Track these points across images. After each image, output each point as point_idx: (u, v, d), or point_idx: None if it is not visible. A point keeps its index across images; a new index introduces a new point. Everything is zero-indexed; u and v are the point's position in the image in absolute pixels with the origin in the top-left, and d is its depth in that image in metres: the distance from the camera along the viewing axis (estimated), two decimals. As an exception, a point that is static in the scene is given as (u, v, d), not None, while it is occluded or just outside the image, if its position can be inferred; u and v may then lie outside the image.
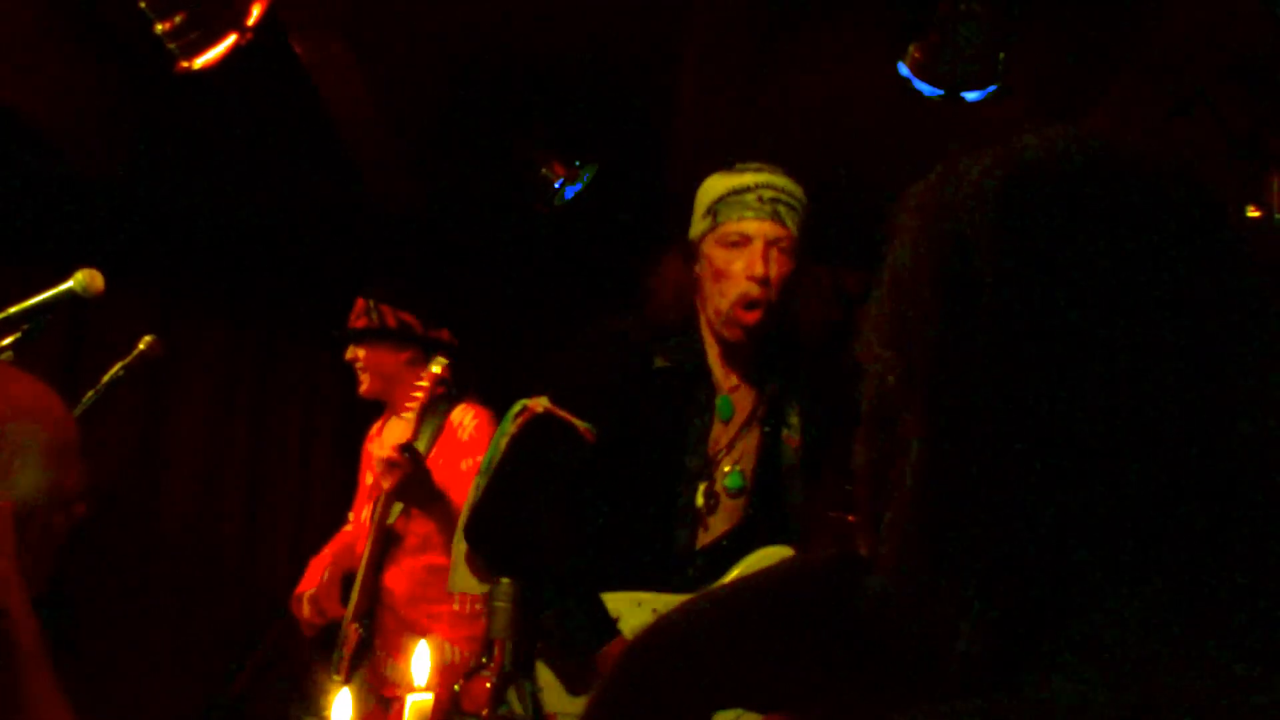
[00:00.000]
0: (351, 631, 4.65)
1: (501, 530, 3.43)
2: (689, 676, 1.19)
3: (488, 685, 2.48)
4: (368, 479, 5.22)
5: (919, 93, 4.67)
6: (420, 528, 4.79)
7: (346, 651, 4.68)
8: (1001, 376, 1.00)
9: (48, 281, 3.24)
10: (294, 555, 7.44)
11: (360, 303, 5.08)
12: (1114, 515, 0.96)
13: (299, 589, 5.06)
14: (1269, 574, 0.96)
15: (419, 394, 4.70)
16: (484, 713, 2.43)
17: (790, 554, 3.31)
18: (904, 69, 4.64)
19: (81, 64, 6.10)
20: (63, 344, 7.05)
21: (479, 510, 3.47)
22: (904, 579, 1.07)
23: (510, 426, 3.47)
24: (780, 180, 3.42)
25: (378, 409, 5.38)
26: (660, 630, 1.24)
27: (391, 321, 4.99)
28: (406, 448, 4.48)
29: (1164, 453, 0.96)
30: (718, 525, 3.49)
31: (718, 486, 3.48)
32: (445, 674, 4.34)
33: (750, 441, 3.55)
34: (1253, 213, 5.10)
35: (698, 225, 3.46)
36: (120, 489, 7.04)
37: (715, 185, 3.45)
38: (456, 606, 4.68)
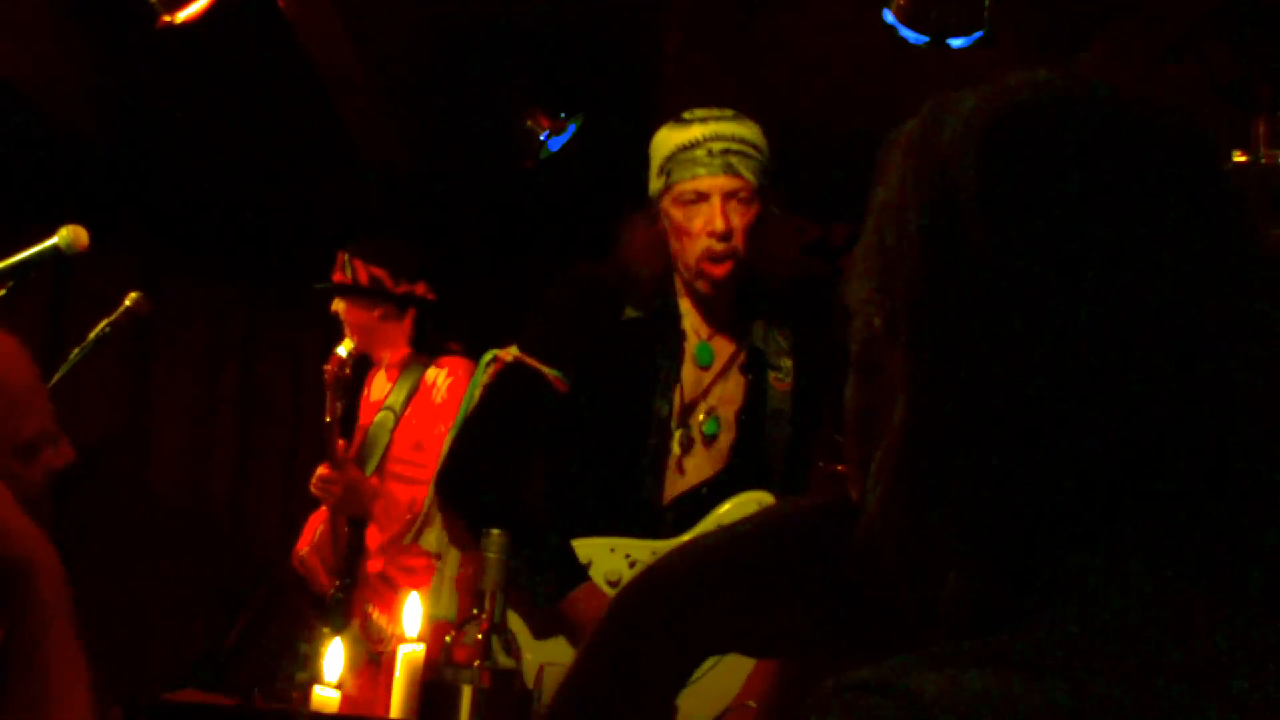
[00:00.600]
0: (333, 589, 4.69)
1: (473, 480, 3.44)
2: (681, 621, 1.19)
3: (478, 637, 2.48)
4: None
5: (904, 39, 4.65)
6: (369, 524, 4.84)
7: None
8: (984, 320, 0.99)
9: (32, 240, 3.24)
10: (284, 512, 7.45)
11: (339, 257, 5.08)
12: (1099, 462, 0.95)
13: (298, 545, 5.08)
14: (1251, 516, 0.96)
15: (325, 377, 4.74)
16: (475, 664, 2.44)
17: (769, 500, 3.31)
18: (889, 15, 4.62)
19: (62, 22, 6.06)
20: (47, 302, 7.04)
21: (450, 460, 3.49)
22: (889, 527, 1.07)
23: (483, 376, 3.48)
24: (729, 127, 3.41)
25: (363, 366, 5.39)
26: (651, 576, 1.23)
27: (364, 277, 5.00)
28: (333, 464, 4.49)
29: (1151, 400, 0.95)
30: (695, 473, 3.49)
31: (694, 433, 3.48)
32: (434, 628, 4.37)
33: (732, 388, 3.55)
34: (1238, 157, 5.11)
35: (654, 183, 3.46)
36: (107, 447, 7.03)
37: (665, 141, 3.44)
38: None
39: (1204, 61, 5.32)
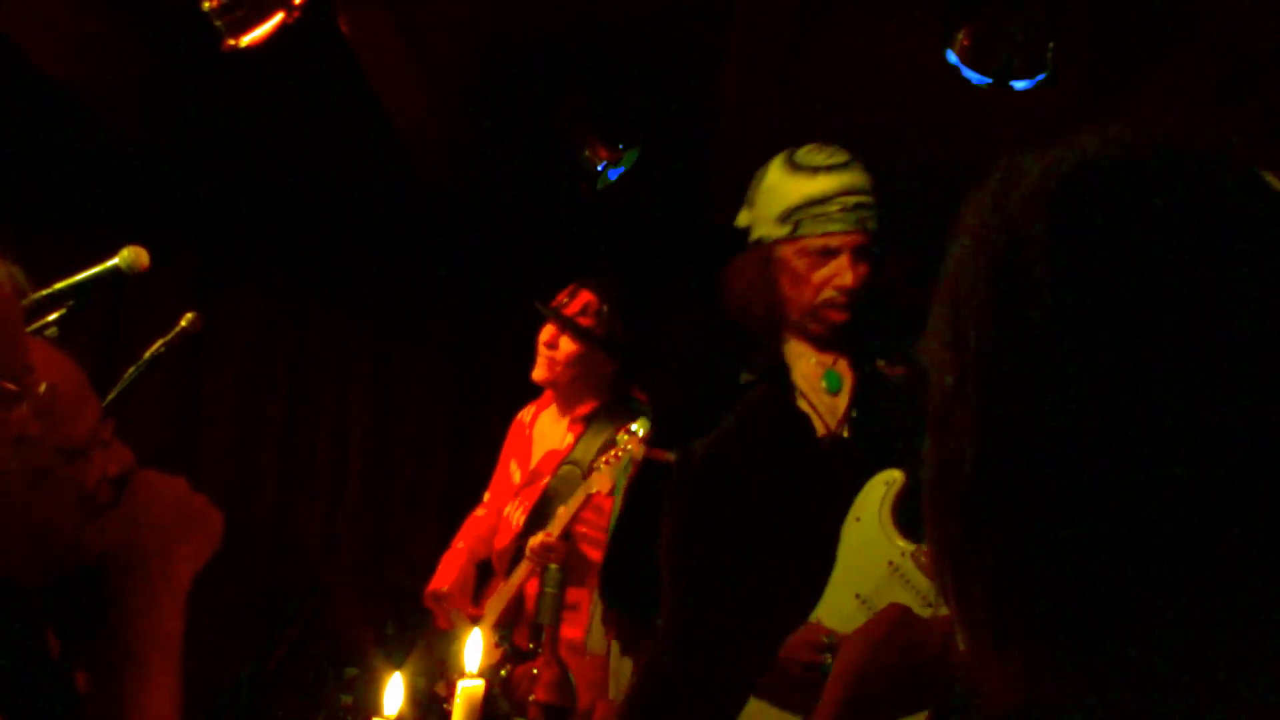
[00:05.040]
0: (492, 643, 4.55)
1: (628, 584, 3.43)
2: None
3: (534, 671, 2.49)
4: (511, 465, 5.17)
5: (967, 80, 4.64)
6: (577, 592, 4.65)
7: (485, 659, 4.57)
8: (1052, 379, 0.99)
9: (88, 251, 3.25)
10: (329, 530, 7.47)
11: (570, 287, 4.99)
12: (1169, 525, 0.95)
13: (432, 585, 5.01)
14: None
15: (612, 459, 4.49)
16: (530, 698, 2.44)
17: (898, 475, 3.26)
18: (952, 56, 4.62)
19: (125, 34, 6.10)
20: (103, 319, 7.07)
21: (605, 570, 3.48)
22: (959, 580, 1.07)
23: (622, 479, 3.49)
24: (858, 179, 3.41)
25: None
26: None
27: (591, 317, 4.90)
28: (566, 537, 4.45)
29: (1223, 463, 0.95)
30: None
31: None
32: (593, 678, 4.28)
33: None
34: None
35: (771, 229, 3.42)
36: (156, 461, 7.05)
37: (789, 189, 3.41)
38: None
39: (1261, 100, 5.30)
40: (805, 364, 3.51)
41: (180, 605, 1.89)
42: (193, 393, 7.54)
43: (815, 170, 3.39)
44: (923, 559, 3.08)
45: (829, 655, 2.96)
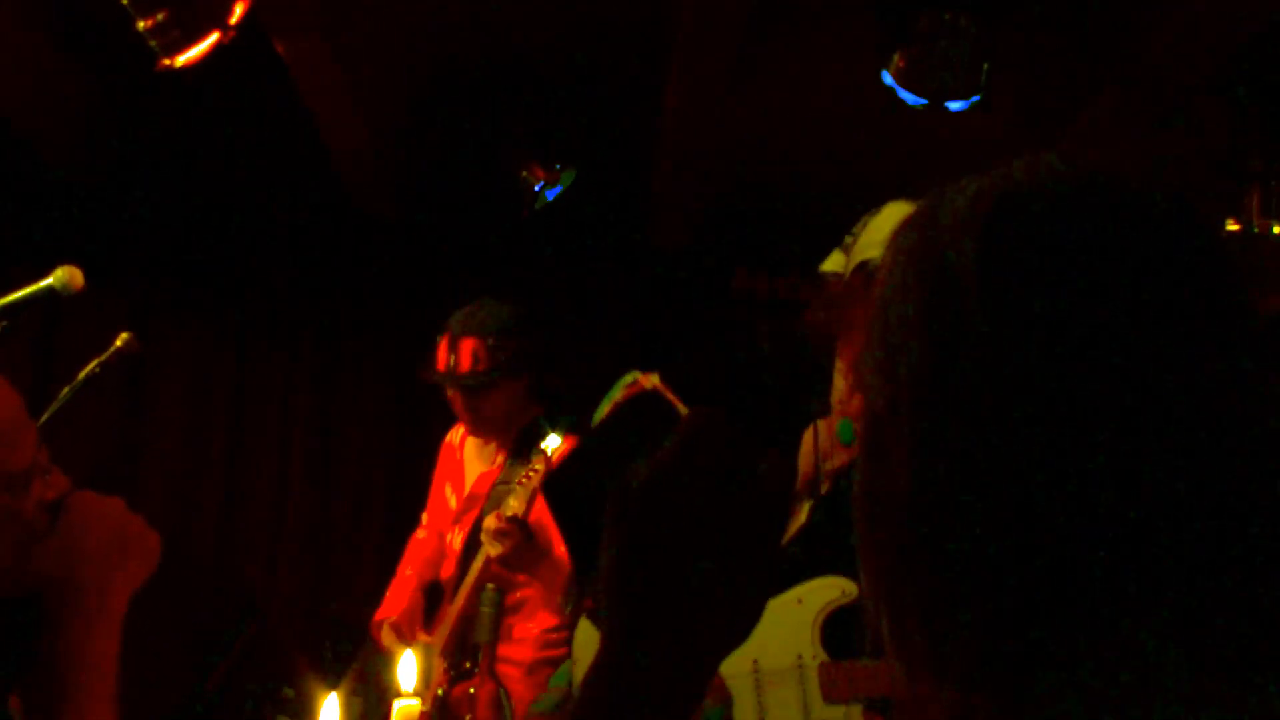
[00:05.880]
0: (439, 670, 4.48)
1: (574, 500, 3.40)
2: None
3: (470, 690, 2.48)
4: (446, 490, 5.12)
5: (903, 101, 4.67)
6: (525, 590, 4.64)
7: (433, 686, 4.50)
8: (984, 403, 0.99)
9: (22, 278, 3.22)
10: (270, 554, 7.43)
11: (468, 345, 4.80)
12: (1101, 543, 0.96)
13: (380, 614, 4.95)
14: (1267, 598, 0.96)
15: (532, 475, 4.39)
16: (466, 716, 2.44)
17: (852, 589, 3.24)
18: (888, 77, 4.65)
19: (59, 63, 6.07)
20: (37, 341, 7.02)
21: (560, 472, 3.45)
22: (891, 603, 1.08)
23: (617, 393, 3.44)
24: None
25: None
26: None
27: (466, 359, 4.76)
28: (515, 520, 4.39)
29: (1156, 480, 0.95)
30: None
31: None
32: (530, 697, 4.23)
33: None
34: (1232, 226, 5.14)
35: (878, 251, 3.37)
36: (95, 486, 7.00)
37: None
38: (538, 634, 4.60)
39: (1198, 131, 5.36)
40: (837, 395, 3.44)
41: (116, 628, 1.88)
42: (133, 417, 7.48)
43: None
44: (830, 674, 3.08)
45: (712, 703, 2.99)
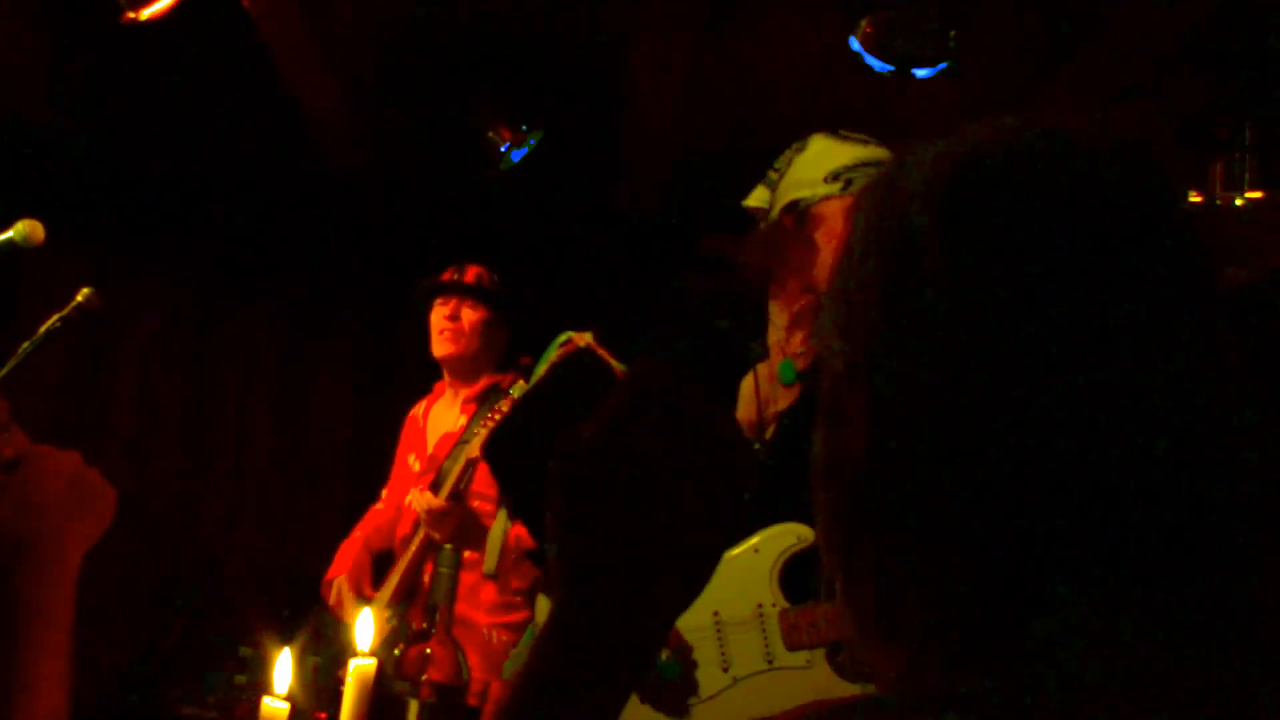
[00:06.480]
0: (383, 619, 4.51)
1: (514, 453, 3.42)
2: None
3: (427, 651, 2.48)
4: (410, 459, 5.15)
5: (870, 67, 4.67)
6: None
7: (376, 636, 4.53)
8: (941, 365, 1.00)
9: (-13, 234, 3.20)
10: (230, 512, 7.42)
11: (475, 269, 5.03)
12: (1055, 509, 0.96)
13: (329, 574, 4.99)
14: (1217, 567, 0.96)
15: (496, 415, 4.51)
16: (422, 678, 2.44)
17: (808, 534, 3.26)
18: (855, 43, 4.64)
19: (22, 12, 6.02)
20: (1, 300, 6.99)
21: (498, 428, 3.45)
22: (850, 567, 1.08)
23: (552, 354, 3.45)
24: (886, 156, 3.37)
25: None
26: None
27: (486, 280, 4.98)
28: (453, 497, 4.44)
29: (1110, 445, 0.96)
30: None
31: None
32: (490, 660, 4.28)
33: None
34: (1194, 198, 5.15)
35: (814, 190, 3.34)
36: (54, 442, 6.96)
37: (839, 152, 3.34)
38: (498, 596, 4.61)
39: (1163, 102, 5.36)
40: (775, 335, 3.46)
41: (70, 583, 1.86)
42: (93, 373, 7.45)
43: (866, 141, 3.36)
44: (791, 619, 3.13)
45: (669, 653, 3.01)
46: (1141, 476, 0.96)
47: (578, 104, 6.43)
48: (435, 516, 4.42)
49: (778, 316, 3.45)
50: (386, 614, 4.48)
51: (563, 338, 3.45)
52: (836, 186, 3.28)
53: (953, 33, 4.58)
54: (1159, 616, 0.94)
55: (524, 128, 6.17)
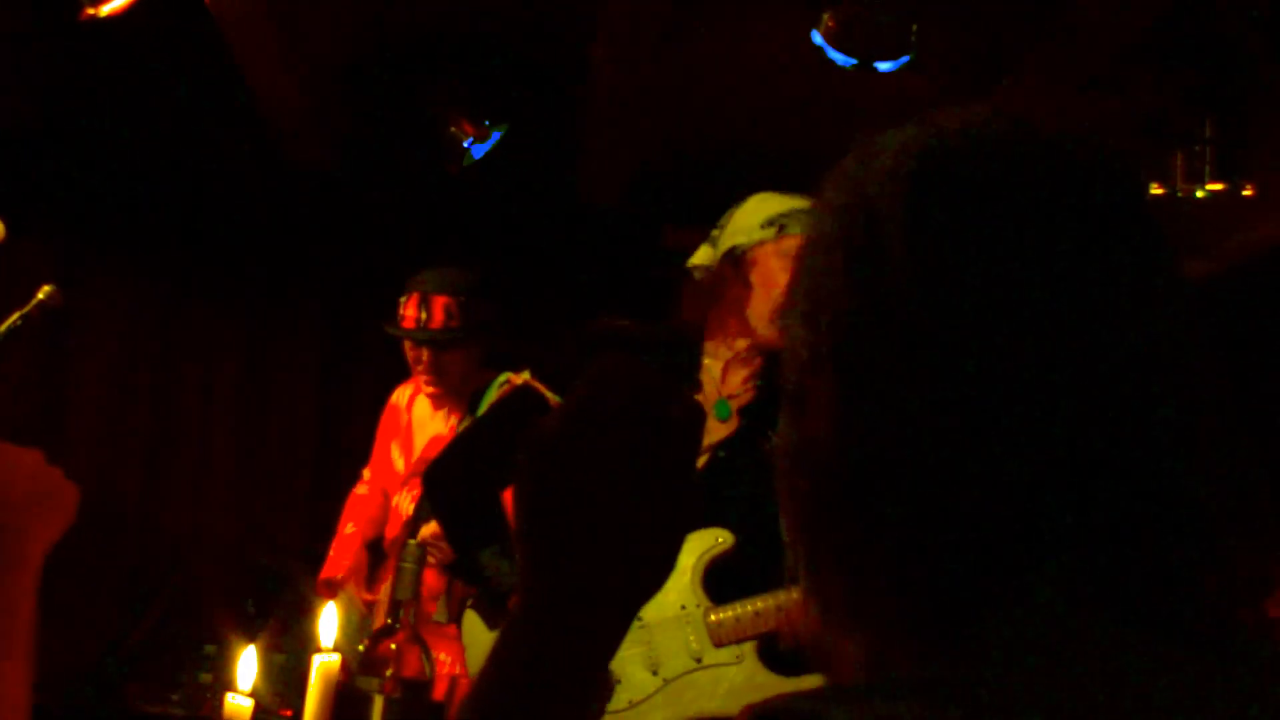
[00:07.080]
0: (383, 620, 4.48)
1: (456, 476, 3.48)
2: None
3: (392, 647, 2.48)
4: (394, 450, 5.13)
5: (833, 61, 4.68)
6: None
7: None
8: (906, 353, 1.00)
9: (-56, 232, 3.18)
10: (195, 508, 7.39)
11: (410, 297, 4.93)
12: (1019, 493, 0.96)
13: (325, 573, 4.97)
14: (1172, 548, 0.97)
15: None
16: (387, 673, 2.44)
17: (728, 537, 3.31)
18: (818, 37, 4.65)
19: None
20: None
21: (440, 457, 3.52)
22: (815, 556, 1.08)
23: (493, 394, 3.51)
24: None
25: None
26: None
27: (439, 316, 4.87)
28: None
29: (1073, 433, 0.96)
30: None
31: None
32: (456, 655, 4.27)
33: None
34: (1156, 190, 5.17)
35: (749, 236, 3.37)
36: (16, 440, 6.93)
37: (774, 204, 3.40)
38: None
39: (1125, 95, 5.39)
40: (710, 376, 3.51)
41: (32, 580, 1.85)
42: (55, 371, 7.42)
43: (798, 196, 3.39)
44: (712, 618, 3.23)
45: None
46: (1108, 466, 0.96)
47: (540, 98, 6.43)
48: (437, 542, 4.41)
49: (713, 358, 3.51)
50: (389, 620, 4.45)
51: (501, 379, 3.53)
52: (771, 232, 3.36)
53: (914, 26, 4.59)
54: (1125, 606, 0.95)
55: (486, 122, 6.16)
